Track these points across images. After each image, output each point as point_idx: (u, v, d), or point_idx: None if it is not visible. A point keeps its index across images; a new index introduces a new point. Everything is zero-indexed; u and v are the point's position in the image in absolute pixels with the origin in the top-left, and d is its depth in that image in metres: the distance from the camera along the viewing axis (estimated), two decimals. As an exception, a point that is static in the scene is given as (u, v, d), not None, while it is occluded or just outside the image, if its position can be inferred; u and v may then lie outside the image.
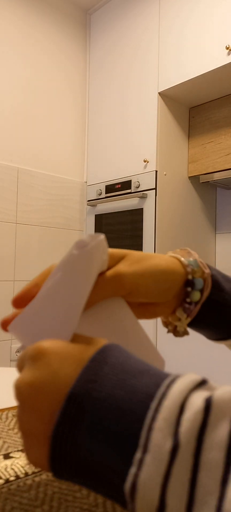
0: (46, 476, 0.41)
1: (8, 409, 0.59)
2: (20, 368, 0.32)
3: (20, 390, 0.29)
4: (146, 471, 0.24)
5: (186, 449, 0.23)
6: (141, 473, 0.24)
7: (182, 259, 0.42)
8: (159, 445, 0.24)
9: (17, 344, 2.60)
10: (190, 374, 0.28)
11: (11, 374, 0.78)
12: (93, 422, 0.26)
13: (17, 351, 2.60)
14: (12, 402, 0.61)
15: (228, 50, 2.11)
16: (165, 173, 2.46)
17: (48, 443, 0.27)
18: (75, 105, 2.97)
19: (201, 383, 0.27)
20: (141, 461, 0.24)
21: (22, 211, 2.65)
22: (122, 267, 0.38)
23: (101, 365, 0.28)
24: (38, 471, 0.41)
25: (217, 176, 2.45)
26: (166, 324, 0.45)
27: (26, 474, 0.41)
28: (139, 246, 2.47)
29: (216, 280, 0.44)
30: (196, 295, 0.42)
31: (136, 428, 0.25)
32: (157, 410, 0.25)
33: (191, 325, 0.45)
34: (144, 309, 0.42)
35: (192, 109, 2.64)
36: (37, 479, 0.40)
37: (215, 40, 2.18)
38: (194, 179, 2.63)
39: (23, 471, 0.41)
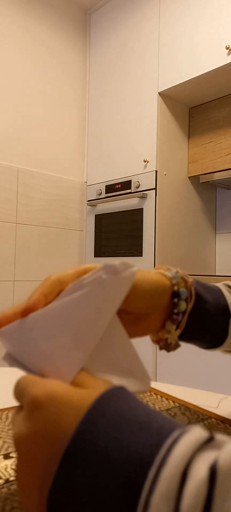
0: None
1: (8, 409, 0.59)
2: (18, 400, 0.32)
3: (17, 443, 0.29)
4: None
5: None
6: None
7: (166, 273, 0.45)
8: None
9: (17, 344, 2.59)
10: (194, 430, 0.25)
11: (11, 374, 0.78)
12: (87, 483, 0.25)
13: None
14: (12, 402, 0.61)
15: (228, 50, 2.11)
16: (165, 173, 2.46)
17: (44, 499, 0.27)
18: (75, 105, 2.97)
19: (207, 441, 0.24)
20: None
21: (22, 211, 2.65)
22: None
23: (98, 419, 0.27)
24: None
25: (217, 176, 2.45)
26: (157, 342, 0.46)
27: (26, 474, 0.41)
28: (139, 246, 2.47)
29: (198, 293, 0.46)
30: (182, 305, 0.44)
31: (132, 502, 0.23)
32: (154, 481, 0.22)
33: (181, 338, 0.47)
34: (135, 326, 0.44)
35: (192, 109, 2.64)
36: (37, 479, 0.40)
37: (215, 40, 2.18)
38: (194, 179, 2.63)
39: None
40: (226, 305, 0.48)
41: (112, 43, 2.79)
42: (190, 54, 2.30)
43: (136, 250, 2.49)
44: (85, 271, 0.38)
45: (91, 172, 2.90)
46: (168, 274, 0.45)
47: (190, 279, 0.46)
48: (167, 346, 0.46)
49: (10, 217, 2.59)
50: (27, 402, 0.29)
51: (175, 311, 0.44)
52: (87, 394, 0.29)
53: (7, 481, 0.39)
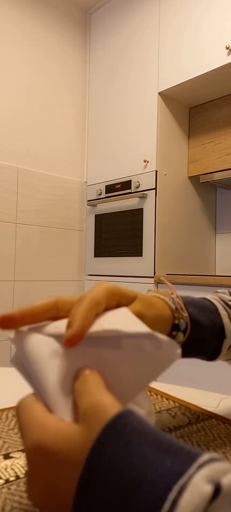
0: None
1: (8, 409, 0.59)
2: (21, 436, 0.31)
3: (27, 491, 0.29)
4: None
5: None
6: None
7: (170, 302, 0.45)
8: None
9: (17, 344, 2.60)
10: (196, 485, 0.22)
11: (11, 375, 0.78)
12: None
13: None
14: (12, 402, 0.61)
15: (228, 50, 2.11)
16: (165, 173, 2.46)
17: None
18: (75, 105, 2.97)
19: (214, 495, 0.22)
20: None
21: (22, 211, 2.65)
22: (142, 309, 0.40)
23: (97, 470, 0.25)
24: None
25: (217, 176, 2.45)
26: None
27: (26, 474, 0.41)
28: (139, 246, 2.47)
29: (194, 318, 0.46)
30: (179, 337, 0.45)
31: None
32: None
33: None
34: None
35: (192, 109, 2.64)
36: (37, 479, 0.40)
37: (215, 40, 2.18)
38: (194, 179, 2.63)
39: (23, 471, 0.41)
40: (222, 326, 0.48)
41: (112, 43, 2.79)
42: (190, 54, 2.30)
43: (136, 250, 2.49)
44: (118, 305, 0.39)
45: (91, 172, 2.90)
46: (172, 305, 0.45)
47: (186, 313, 0.46)
48: None
49: (10, 217, 2.59)
50: (31, 447, 0.29)
51: None
52: (85, 439, 0.27)
53: (7, 481, 0.39)
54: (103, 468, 0.25)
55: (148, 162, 2.46)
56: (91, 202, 2.82)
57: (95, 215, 2.81)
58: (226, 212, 2.73)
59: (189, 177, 2.61)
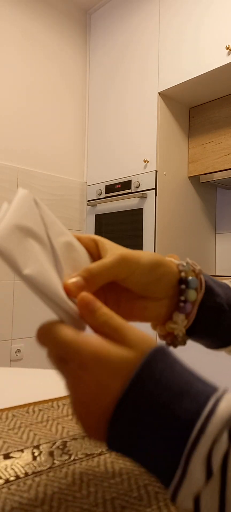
0: (46, 476, 0.41)
1: (8, 409, 0.59)
2: (56, 353, 0.32)
3: (69, 392, 0.32)
4: (182, 494, 0.28)
5: (215, 479, 0.27)
6: (178, 494, 0.28)
7: (173, 259, 0.43)
8: (194, 475, 0.27)
9: (17, 344, 2.60)
10: (228, 398, 0.29)
11: (11, 375, 0.78)
12: (140, 435, 0.29)
13: (17, 351, 2.60)
14: (12, 402, 0.61)
15: (228, 50, 2.11)
16: (165, 173, 2.46)
17: (102, 431, 0.31)
18: (75, 105, 2.97)
19: None
20: (179, 485, 0.28)
21: (22, 211, 2.64)
22: (124, 252, 0.40)
23: (149, 377, 0.29)
24: (38, 471, 0.41)
25: (217, 176, 2.45)
26: (164, 337, 0.44)
27: (26, 474, 0.41)
28: (139, 246, 2.47)
29: (209, 285, 0.44)
30: (191, 294, 0.42)
31: (176, 455, 0.28)
32: (194, 444, 0.27)
33: (189, 334, 0.44)
34: (133, 304, 0.42)
35: (192, 109, 2.64)
36: (37, 479, 0.40)
37: (215, 40, 2.18)
38: (194, 179, 2.63)
39: (23, 471, 0.41)
40: None
41: (113, 43, 2.79)
42: (190, 54, 2.30)
43: (136, 250, 2.49)
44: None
45: (91, 172, 2.90)
46: (175, 260, 0.44)
47: (199, 269, 0.44)
48: (174, 340, 0.43)
49: (10, 217, 2.59)
50: (73, 363, 0.30)
51: (182, 298, 0.42)
52: (131, 357, 0.30)
53: (7, 481, 0.39)
54: (153, 379, 0.29)
55: (148, 162, 2.46)
56: (91, 202, 2.82)
57: (95, 215, 2.81)
58: (226, 212, 2.73)
59: (189, 177, 2.61)
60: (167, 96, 2.50)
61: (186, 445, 0.27)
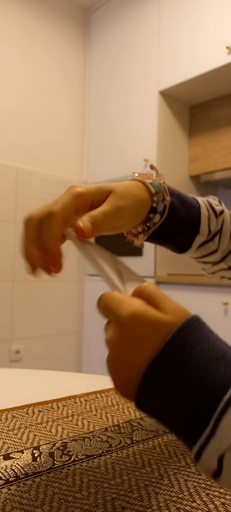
0: (46, 476, 0.41)
1: (8, 410, 0.59)
2: (104, 315, 0.35)
3: (109, 347, 0.33)
4: (208, 452, 0.28)
5: None
6: (203, 452, 0.29)
7: (150, 186, 0.47)
8: (224, 435, 0.28)
9: (16, 345, 2.60)
10: None
11: (11, 375, 0.78)
12: (170, 394, 0.30)
13: (17, 352, 2.60)
14: (11, 403, 0.61)
15: (228, 50, 2.11)
16: (165, 172, 2.45)
17: (133, 393, 0.32)
18: (75, 104, 2.97)
19: None
20: (205, 443, 0.28)
21: (22, 211, 2.65)
22: (115, 202, 0.44)
23: (183, 343, 0.31)
24: (38, 472, 0.41)
25: (218, 175, 2.45)
26: (126, 233, 0.52)
27: (26, 474, 0.41)
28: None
29: (172, 208, 0.50)
30: (156, 218, 0.48)
31: (207, 415, 0.29)
32: (226, 405, 0.28)
33: (148, 240, 0.51)
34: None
35: (192, 108, 2.63)
36: (37, 479, 0.40)
37: (215, 40, 2.18)
38: (195, 178, 2.63)
39: (23, 472, 0.41)
40: (198, 222, 0.52)
41: (113, 43, 2.79)
42: (190, 53, 2.30)
43: (136, 250, 2.49)
44: (93, 201, 0.44)
45: (91, 171, 2.90)
46: (151, 188, 0.47)
47: (168, 197, 0.49)
48: (132, 242, 0.53)
49: (9, 216, 2.59)
50: (114, 320, 0.33)
51: (148, 224, 0.48)
52: (169, 320, 0.32)
53: (7, 481, 0.39)
54: (189, 343, 0.30)
55: (148, 161, 2.46)
56: (92, 202, 2.82)
57: (95, 214, 2.81)
58: (227, 212, 2.72)
59: (190, 176, 2.61)
60: (167, 95, 2.49)
61: (217, 406, 0.28)
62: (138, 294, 0.35)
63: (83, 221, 0.41)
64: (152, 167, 0.54)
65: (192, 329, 0.31)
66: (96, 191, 0.43)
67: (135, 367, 0.31)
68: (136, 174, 0.48)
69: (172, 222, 0.50)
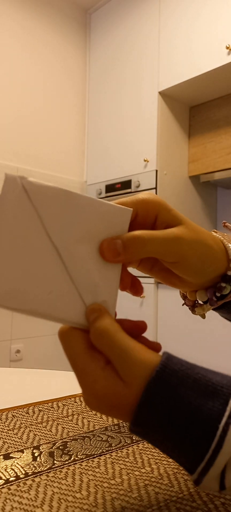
0: (46, 476, 0.41)
1: (8, 409, 0.59)
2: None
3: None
4: (208, 478, 0.28)
5: None
6: (204, 479, 0.28)
7: (229, 248, 0.38)
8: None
9: (16, 345, 2.60)
10: None
11: (11, 375, 0.78)
12: (170, 414, 0.29)
13: (17, 352, 2.60)
14: (12, 402, 0.61)
15: (228, 50, 2.11)
16: (165, 172, 2.46)
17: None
18: (75, 104, 2.97)
19: None
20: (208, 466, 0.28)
21: (22, 211, 2.65)
22: (181, 232, 0.35)
23: (168, 377, 0.30)
24: (38, 472, 0.41)
25: (217, 176, 2.45)
26: (183, 296, 0.43)
27: (26, 474, 0.41)
28: (139, 246, 2.47)
29: None
30: (227, 289, 0.39)
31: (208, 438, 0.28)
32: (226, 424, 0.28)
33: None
34: (167, 273, 0.39)
35: (192, 108, 2.63)
36: (37, 479, 0.40)
37: (215, 40, 2.17)
38: (195, 179, 2.63)
39: (23, 472, 0.41)
40: None
41: (113, 43, 2.79)
42: (190, 53, 2.30)
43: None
44: (157, 217, 0.37)
45: (91, 171, 2.90)
46: (227, 247, 0.38)
47: None
48: (193, 311, 0.43)
49: (10, 216, 2.59)
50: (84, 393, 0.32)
51: (218, 294, 0.39)
52: (127, 393, 0.30)
53: (7, 481, 0.39)
54: (158, 410, 0.29)
55: (148, 161, 2.46)
56: (92, 202, 2.82)
57: (95, 214, 2.81)
58: (227, 212, 2.72)
59: (190, 177, 2.61)
60: (167, 96, 2.49)
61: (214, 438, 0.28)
62: (99, 347, 0.31)
63: (115, 238, 0.33)
64: (225, 225, 0.44)
65: (155, 403, 0.29)
66: (166, 209, 0.36)
67: (123, 410, 0.31)
68: (216, 231, 0.40)
69: None
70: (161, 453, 0.46)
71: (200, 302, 0.41)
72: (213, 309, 0.43)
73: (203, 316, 0.43)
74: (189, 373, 0.30)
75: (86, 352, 0.31)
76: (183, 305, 0.43)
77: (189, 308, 0.43)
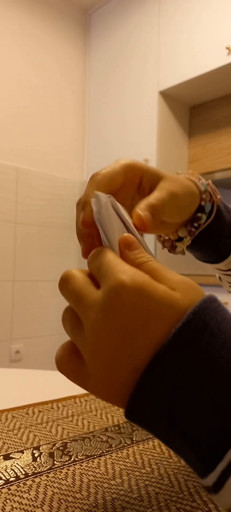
0: (46, 477, 0.41)
1: (8, 410, 0.59)
2: (94, 272, 0.29)
3: (95, 321, 0.25)
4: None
5: None
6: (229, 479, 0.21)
7: (199, 183, 0.43)
8: None
9: (16, 345, 2.59)
10: None
11: (11, 375, 0.77)
12: (173, 392, 0.22)
13: (17, 352, 2.60)
14: (11, 403, 0.61)
15: (228, 50, 2.11)
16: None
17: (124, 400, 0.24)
18: (75, 104, 2.97)
19: None
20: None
21: (22, 211, 2.65)
22: (173, 188, 0.38)
23: (198, 333, 0.23)
24: (38, 472, 0.41)
25: (217, 176, 2.45)
26: (162, 241, 0.46)
27: (26, 475, 0.41)
28: (139, 246, 2.47)
29: (218, 210, 0.46)
30: (203, 218, 0.43)
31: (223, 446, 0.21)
32: None
33: (189, 246, 0.46)
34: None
35: (192, 109, 2.64)
36: (37, 480, 0.40)
37: (215, 40, 2.18)
38: (194, 179, 2.63)
39: (23, 472, 0.41)
40: None
41: (112, 43, 2.79)
42: (190, 53, 2.30)
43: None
44: (141, 181, 0.39)
45: (91, 171, 2.89)
46: (200, 186, 0.43)
47: (218, 196, 0.45)
48: (173, 249, 0.45)
49: (9, 216, 2.59)
50: (110, 285, 0.25)
51: (195, 224, 0.43)
52: (179, 298, 0.24)
53: (7, 481, 0.39)
54: (214, 324, 0.23)
55: (148, 161, 2.46)
56: (92, 202, 2.83)
57: (95, 215, 2.82)
58: (226, 212, 2.73)
59: (189, 177, 2.61)
60: (167, 96, 2.50)
61: None
62: (141, 268, 0.26)
63: (143, 210, 0.33)
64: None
65: (211, 312, 0.23)
66: (148, 169, 0.38)
67: (130, 359, 0.23)
68: (179, 171, 0.44)
69: (217, 225, 0.45)
70: (161, 453, 0.46)
71: (182, 236, 0.44)
72: (189, 251, 0.47)
73: (183, 252, 0.46)
74: None
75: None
76: (163, 248, 0.46)
77: (169, 250, 0.46)
